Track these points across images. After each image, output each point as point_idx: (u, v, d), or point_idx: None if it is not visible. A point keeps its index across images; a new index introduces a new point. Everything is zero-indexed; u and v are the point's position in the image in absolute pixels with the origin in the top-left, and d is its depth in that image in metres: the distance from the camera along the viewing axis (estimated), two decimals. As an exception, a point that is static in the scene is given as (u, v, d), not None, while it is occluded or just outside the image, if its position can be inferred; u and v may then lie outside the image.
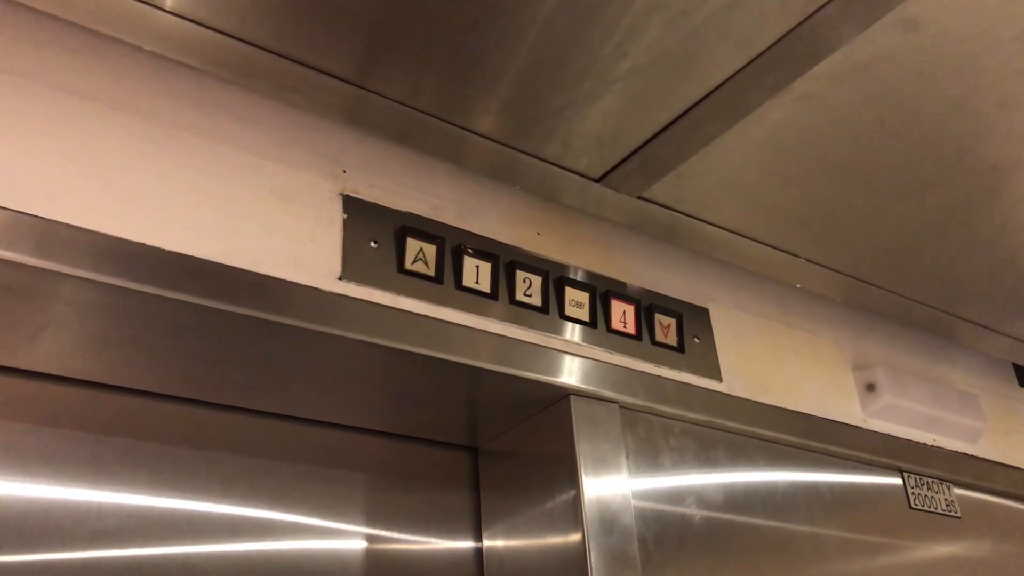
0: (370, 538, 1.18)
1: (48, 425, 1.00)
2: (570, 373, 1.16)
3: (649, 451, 1.21)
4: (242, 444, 1.13)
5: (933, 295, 1.47)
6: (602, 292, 1.27)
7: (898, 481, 1.54)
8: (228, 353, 1.00)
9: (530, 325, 1.17)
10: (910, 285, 1.43)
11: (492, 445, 1.29)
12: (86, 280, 0.84)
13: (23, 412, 0.99)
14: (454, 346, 1.07)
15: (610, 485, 1.13)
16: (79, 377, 1.03)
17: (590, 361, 1.19)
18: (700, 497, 1.23)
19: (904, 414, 1.59)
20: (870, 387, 1.56)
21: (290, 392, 1.11)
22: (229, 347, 0.99)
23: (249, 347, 0.99)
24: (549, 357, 1.15)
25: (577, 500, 1.09)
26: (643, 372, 1.25)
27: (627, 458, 1.17)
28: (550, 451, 1.17)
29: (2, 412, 0.98)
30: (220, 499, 1.09)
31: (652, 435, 1.23)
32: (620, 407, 1.20)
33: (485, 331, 1.11)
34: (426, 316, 1.07)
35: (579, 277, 1.25)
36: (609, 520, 1.10)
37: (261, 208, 1.00)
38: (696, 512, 1.21)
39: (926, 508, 1.55)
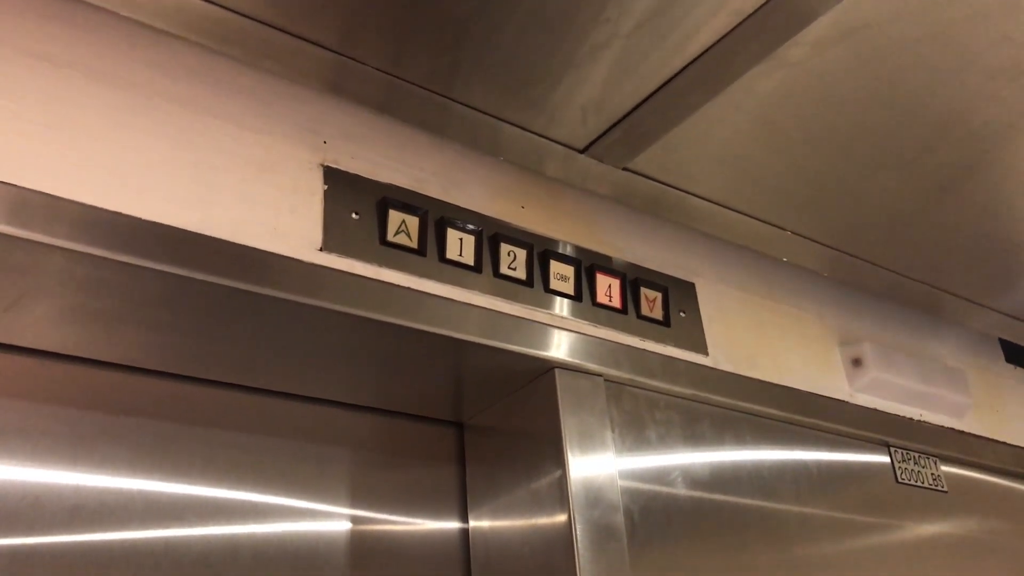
0: (355, 519, 1.17)
1: (25, 399, 0.99)
2: (555, 346, 1.15)
3: (634, 424, 1.20)
4: (224, 419, 1.11)
5: (920, 269, 1.47)
6: (587, 266, 1.26)
7: (885, 456, 1.54)
8: (208, 325, 0.99)
9: (515, 298, 1.16)
10: (897, 258, 1.42)
11: (477, 420, 1.28)
12: (61, 249, 0.83)
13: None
14: (438, 318, 1.06)
15: (596, 461, 1.12)
16: (56, 350, 1.01)
17: (575, 334, 1.18)
18: (686, 473, 1.22)
19: (891, 389, 1.59)
20: (856, 362, 1.56)
21: (272, 366, 1.10)
22: (209, 319, 0.97)
23: (229, 319, 0.98)
24: (534, 330, 1.14)
25: (563, 479, 1.09)
26: (628, 346, 1.24)
27: (612, 432, 1.16)
28: (535, 425, 1.16)
29: None
30: (202, 478, 1.07)
31: (637, 409, 1.22)
32: (605, 380, 1.19)
33: (469, 304, 1.10)
34: (409, 288, 1.06)
35: (564, 251, 1.24)
36: (595, 498, 1.09)
37: (240, 178, 0.98)
38: (682, 488, 1.21)
39: (913, 483, 1.55)
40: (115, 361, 1.05)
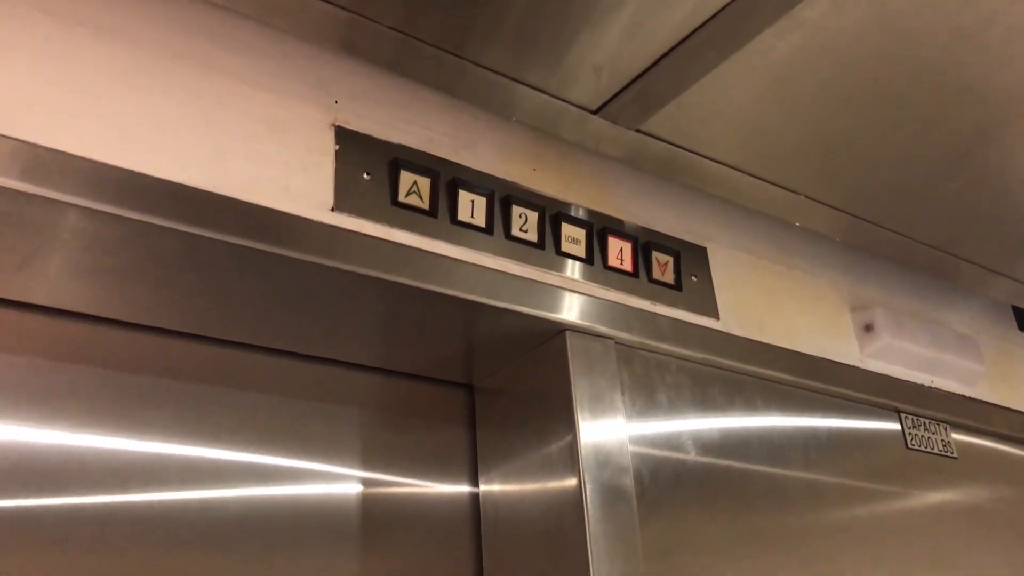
0: (366, 482, 1.17)
1: (39, 357, 0.99)
2: (566, 309, 1.15)
3: (645, 388, 1.20)
4: (236, 380, 1.12)
5: (935, 235, 1.45)
6: (599, 229, 1.26)
7: (895, 422, 1.54)
8: (219, 284, 0.99)
9: (526, 260, 1.16)
10: (911, 224, 1.41)
11: (488, 382, 1.29)
12: (74, 206, 0.83)
13: (11, 344, 0.98)
14: (449, 280, 1.06)
15: (606, 425, 1.12)
16: (69, 309, 1.02)
17: (586, 297, 1.18)
18: (696, 438, 1.23)
19: (902, 355, 1.59)
20: (868, 328, 1.56)
21: (284, 326, 1.10)
22: (220, 278, 0.97)
23: (241, 278, 0.98)
24: (545, 292, 1.14)
25: (573, 442, 1.09)
26: (639, 309, 1.24)
27: (623, 395, 1.17)
28: (546, 388, 1.16)
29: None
30: (212, 441, 1.07)
31: (648, 372, 1.22)
32: (616, 343, 1.19)
33: (480, 265, 1.10)
34: (420, 249, 1.06)
35: (576, 214, 1.24)
36: (604, 462, 1.09)
37: (250, 137, 0.98)
38: (692, 453, 1.21)
39: (923, 449, 1.55)
40: (128, 320, 1.05)
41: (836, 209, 1.35)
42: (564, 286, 1.17)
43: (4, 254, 0.90)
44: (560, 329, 1.16)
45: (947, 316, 1.79)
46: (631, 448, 1.14)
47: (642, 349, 1.23)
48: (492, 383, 1.28)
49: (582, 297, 1.17)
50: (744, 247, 1.47)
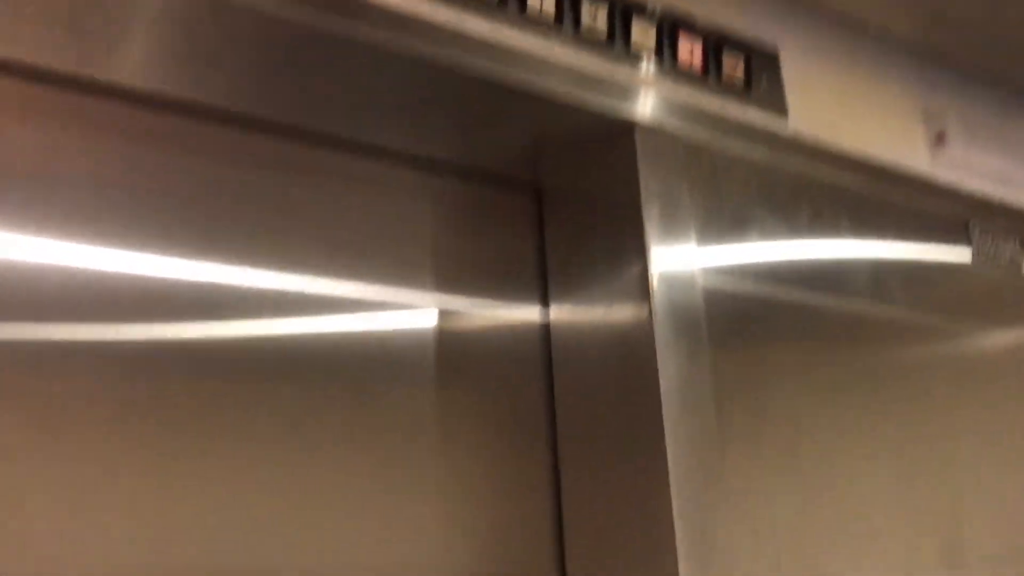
0: (440, 304, 1.19)
1: (132, 144, 1.03)
2: (635, 105, 1.15)
3: (712, 189, 1.21)
4: (310, 170, 1.14)
5: (1020, 41, 1.40)
6: (670, 25, 1.23)
7: (964, 237, 1.53)
8: (299, 70, 1.00)
9: (596, 55, 1.15)
10: (996, 25, 1.36)
11: (555, 181, 1.29)
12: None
13: (102, 129, 1.01)
14: (518, 71, 1.06)
15: (674, 232, 1.13)
16: (160, 89, 1.03)
17: (655, 94, 1.17)
18: (766, 260, 1.23)
19: (974, 167, 1.56)
20: (940, 137, 1.53)
21: (356, 114, 1.12)
22: (299, 63, 0.99)
23: (318, 62, 0.99)
24: (614, 88, 1.14)
25: (641, 246, 1.10)
26: (708, 108, 1.23)
27: (690, 194, 1.17)
28: (614, 186, 1.17)
29: (80, 128, 1.01)
30: (285, 262, 1.09)
31: (715, 173, 1.22)
32: (685, 142, 1.19)
33: (549, 58, 1.09)
34: (489, 38, 1.05)
35: (647, 9, 1.22)
36: (673, 280, 1.10)
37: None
38: (762, 276, 1.21)
39: (991, 266, 1.54)
40: (207, 102, 1.07)
41: (917, 8, 1.30)
42: (633, 82, 1.16)
43: (94, 36, 0.92)
44: (629, 126, 1.15)
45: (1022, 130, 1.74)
46: (700, 268, 1.14)
47: (710, 148, 1.22)
48: (561, 182, 1.28)
49: (651, 94, 1.17)
50: (817, 50, 1.43)
